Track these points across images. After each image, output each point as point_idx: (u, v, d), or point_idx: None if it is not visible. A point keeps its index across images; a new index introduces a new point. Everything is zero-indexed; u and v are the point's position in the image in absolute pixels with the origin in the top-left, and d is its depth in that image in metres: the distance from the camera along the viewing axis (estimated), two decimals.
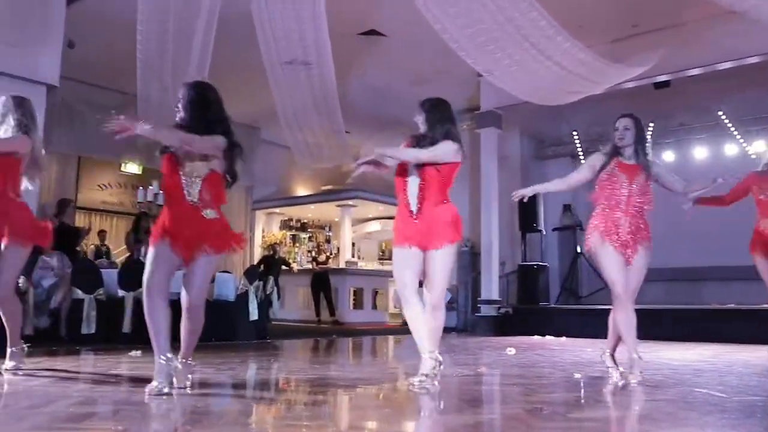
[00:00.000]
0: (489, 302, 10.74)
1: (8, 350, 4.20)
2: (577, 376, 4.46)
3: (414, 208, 3.89)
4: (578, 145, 11.73)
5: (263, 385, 4.27)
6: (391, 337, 9.16)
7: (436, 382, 3.69)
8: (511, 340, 8.57)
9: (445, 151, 3.89)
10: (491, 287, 10.78)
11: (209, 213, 3.54)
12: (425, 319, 3.87)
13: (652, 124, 10.98)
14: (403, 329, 7.53)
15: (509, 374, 4.72)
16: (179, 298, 3.58)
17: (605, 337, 4.42)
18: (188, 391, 3.43)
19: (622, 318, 4.08)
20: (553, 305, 10.79)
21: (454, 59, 7.39)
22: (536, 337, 9.14)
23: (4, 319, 4.21)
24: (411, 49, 9.49)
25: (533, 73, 7.17)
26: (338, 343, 8.00)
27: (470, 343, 8.05)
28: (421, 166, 3.90)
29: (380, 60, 9.96)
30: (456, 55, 7.09)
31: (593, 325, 8.85)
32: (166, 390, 3.28)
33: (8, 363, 4.17)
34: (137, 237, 8.52)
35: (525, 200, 4.60)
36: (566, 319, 9.78)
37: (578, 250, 11.36)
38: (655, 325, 7.88)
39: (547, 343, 8.14)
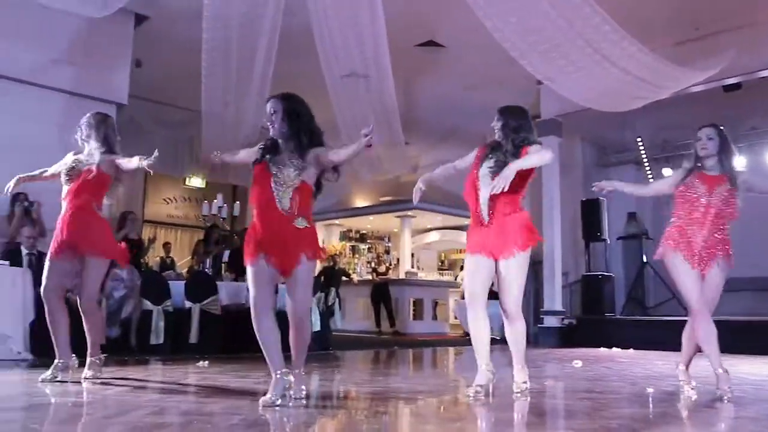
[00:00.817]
0: (552, 313, 10.54)
1: (88, 359, 4.33)
2: (650, 390, 4.31)
3: (486, 216, 3.86)
4: (643, 152, 11.41)
5: (326, 396, 4.28)
6: (451, 349, 9.07)
7: (489, 396, 3.70)
8: (576, 352, 8.37)
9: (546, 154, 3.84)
10: (554, 298, 10.57)
11: (300, 222, 3.51)
12: (488, 332, 3.90)
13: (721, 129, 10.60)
14: (464, 340, 7.39)
15: (577, 388, 4.60)
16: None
17: (675, 350, 4.27)
18: (304, 402, 3.46)
19: (701, 332, 3.88)
20: (618, 316, 10.50)
21: (514, 67, 7.32)
22: (602, 349, 8.91)
23: (86, 330, 4.34)
24: (469, 59, 9.45)
25: (597, 80, 7.03)
26: (399, 354, 7.97)
27: (534, 355, 7.90)
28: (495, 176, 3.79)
29: (439, 70, 9.96)
30: (515, 63, 7.01)
31: (662, 337, 8.59)
32: (279, 402, 3.32)
33: (87, 372, 4.29)
34: (207, 249, 8.73)
35: (603, 192, 4.45)
36: (633, 330, 9.50)
37: (644, 259, 11.04)
38: (732, 338, 7.56)
39: (615, 355, 7.92)
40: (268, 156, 3.59)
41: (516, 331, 3.91)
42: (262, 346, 3.46)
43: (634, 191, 4.76)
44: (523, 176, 3.79)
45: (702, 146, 4.06)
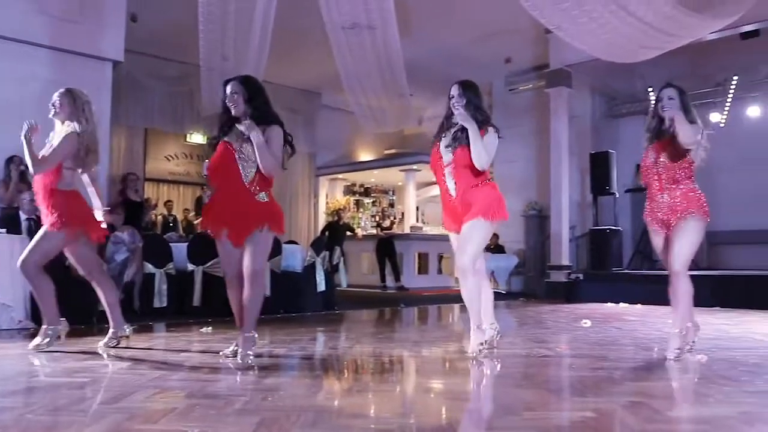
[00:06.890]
0: (558, 267, 10.46)
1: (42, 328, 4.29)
2: (657, 355, 4.18)
3: (453, 192, 4.00)
4: (654, 102, 11.11)
5: (331, 359, 4.21)
6: (456, 306, 8.99)
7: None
8: (583, 308, 8.31)
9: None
10: (561, 252, 10.48)
11: (262, 196, 3.78)
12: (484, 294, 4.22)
13: (735, 78, 10.34)
14: None
15: (592, 354, 4.42)
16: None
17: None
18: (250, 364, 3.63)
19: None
20: (626, 270, 10.40)
21: (521, 16, 7.05)
22: (609, 305, 8.83)
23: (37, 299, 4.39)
24: (476, 7, 9.11)
25: (610, 29, 6.74)
26: (404, 313, 7.90)
27: (541, 311, 7.83)
28: (454, 151, 3.98)
29: (444, 19, 9.62)
30: (523, 12, 6.74)
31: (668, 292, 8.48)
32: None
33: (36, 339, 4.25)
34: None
35: None
36: (640, 286, 9.39)
37: None
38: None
39: (623, 312, 7.81)
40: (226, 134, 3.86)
41: (467, 289, 4.00)
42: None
43: None
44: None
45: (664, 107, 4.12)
